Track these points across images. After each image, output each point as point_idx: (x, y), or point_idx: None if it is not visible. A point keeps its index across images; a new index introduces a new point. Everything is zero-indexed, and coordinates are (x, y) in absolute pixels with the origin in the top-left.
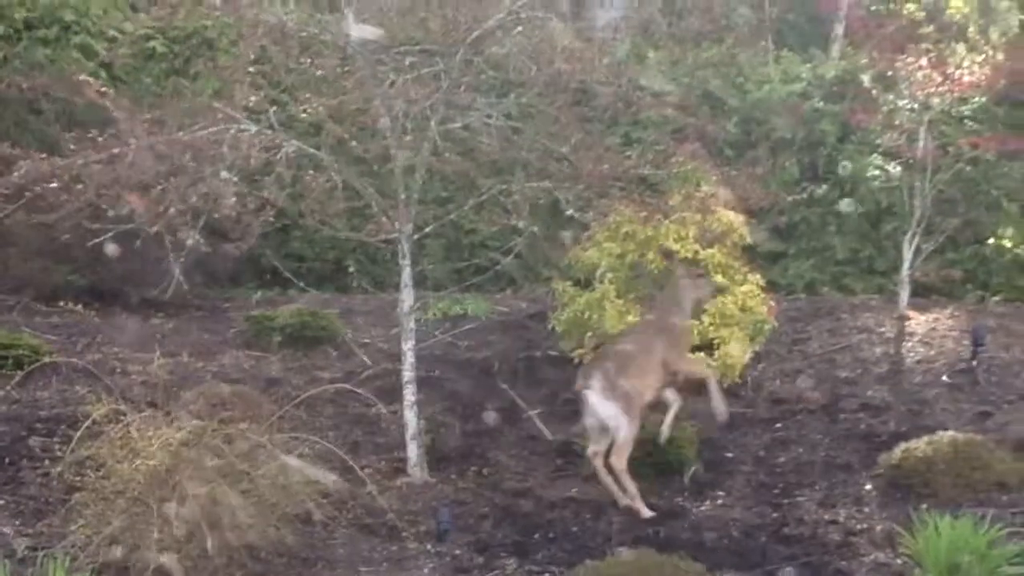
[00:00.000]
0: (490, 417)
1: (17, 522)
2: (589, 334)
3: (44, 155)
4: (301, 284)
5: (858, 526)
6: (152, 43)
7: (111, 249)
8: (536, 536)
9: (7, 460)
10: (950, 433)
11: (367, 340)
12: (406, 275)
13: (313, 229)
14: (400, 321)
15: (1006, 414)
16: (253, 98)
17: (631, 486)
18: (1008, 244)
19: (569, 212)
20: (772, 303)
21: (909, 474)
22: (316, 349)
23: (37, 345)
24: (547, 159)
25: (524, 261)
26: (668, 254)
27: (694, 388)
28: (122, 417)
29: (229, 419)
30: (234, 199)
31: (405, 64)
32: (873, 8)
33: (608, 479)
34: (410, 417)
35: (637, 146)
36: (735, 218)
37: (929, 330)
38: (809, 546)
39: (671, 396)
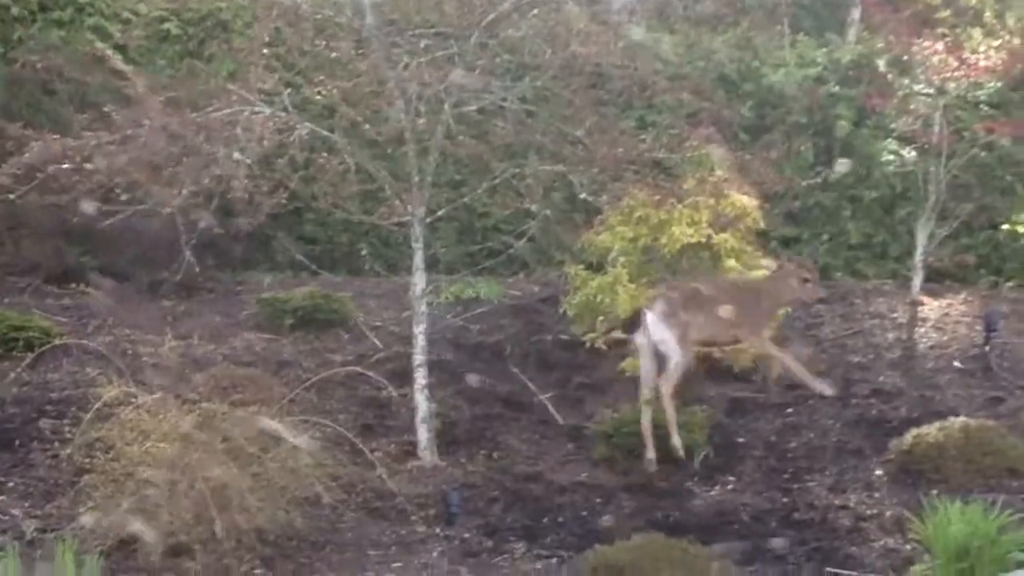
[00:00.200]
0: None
1: (26, 504)
2: (601, 318)
3: (56, 136)
4: (313, 267)
5: (868, 511)
6: (166, 25)
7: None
8: (545, 520)
9: (17, 442)
10: (961, 419)
11: (379, 323)
12: (418, 258)
13: (326, 212)
14: (412, 304)
15: (1018, 400)
16: (267, 82)
17: (672, 416)
18: (1022, 230)
19: (582, 196)
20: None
21: (920, 460)
22: (328, 332)
23: (48, 327)
24: (561, 142)
25: (537, 245)
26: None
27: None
28: (132, 400)
29: (240, 402)
30: (246, 181)
31: (420, 47)
32: None
33: (670, 408)
34: (420, 400)
35: (652, 130)
36: (748, 202)
37: (942, 315)
38: (819, 531)
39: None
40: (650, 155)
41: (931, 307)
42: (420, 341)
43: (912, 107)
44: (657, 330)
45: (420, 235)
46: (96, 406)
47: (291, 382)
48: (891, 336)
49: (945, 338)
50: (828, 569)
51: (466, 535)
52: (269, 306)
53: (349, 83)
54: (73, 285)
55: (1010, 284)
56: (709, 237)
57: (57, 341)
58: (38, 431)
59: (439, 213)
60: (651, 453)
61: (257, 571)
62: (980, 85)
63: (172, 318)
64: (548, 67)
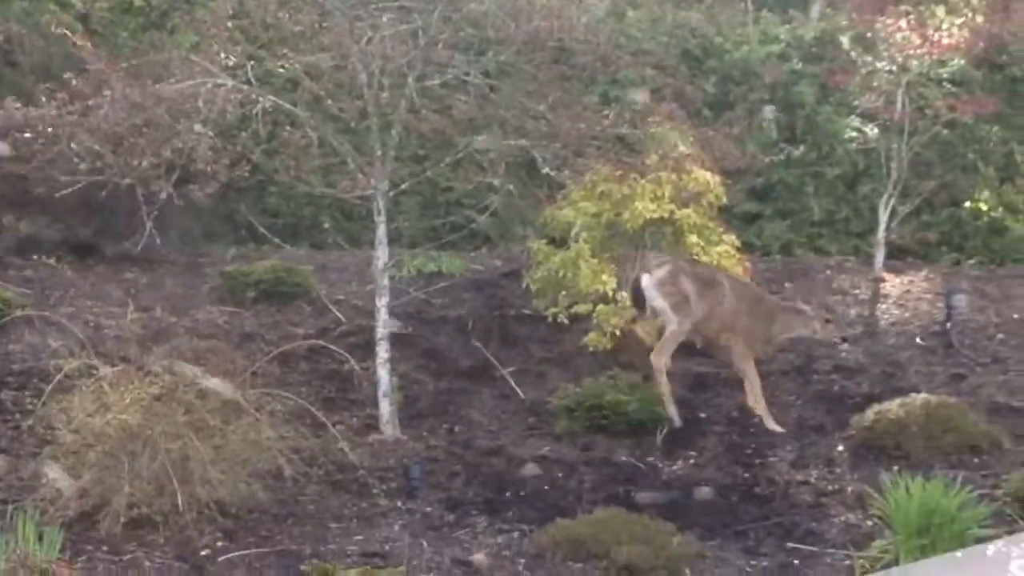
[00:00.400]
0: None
1: None
2: (563, 293)
3: (19, 107)
4: (276, 240)
5: (829, 487)
6: None
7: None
8: (507, 494)
9: None
10: (923, 395)
11: (341, 296)
12: (381, 232)
13: (289, 185)
14: (375, 278)
15: (979, 377)
16: (230, 55)
17: (664, 387)
18: (984, 207)
19: (545, 170)
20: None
21: (881, 436)
22: (290, 305)
23: (9, 298)
24: (524, 117)
25: (499, 219)
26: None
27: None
28: (94, 371)
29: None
30: (209, 153)
31: (383, 20)
32: None
33: (662, 379)
34: (383, 374)
35: (615, 105)
36: (711, 178)
37: (904, 292)
38: (780, 506)
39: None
40: (613, 130)
41: (893, 284)
42: (383, 314)
43: (875, 84)
44: (652, 295)
45: (383, 209)
46: (58, 377)
47: (253, 355)
48: (853, 312)
49: (907, 315)
50: (789, 544)
51: (427, 509)
52: (231, 279)
53: (312, 56)
54: (35, 257)
55: (972, 261)
56: (671, 212)
57: (19, 312)
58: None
59: (402, 187)
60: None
61: (219, 543)
62: (943, 63)
63: (134, 290)
64: (511, 42)
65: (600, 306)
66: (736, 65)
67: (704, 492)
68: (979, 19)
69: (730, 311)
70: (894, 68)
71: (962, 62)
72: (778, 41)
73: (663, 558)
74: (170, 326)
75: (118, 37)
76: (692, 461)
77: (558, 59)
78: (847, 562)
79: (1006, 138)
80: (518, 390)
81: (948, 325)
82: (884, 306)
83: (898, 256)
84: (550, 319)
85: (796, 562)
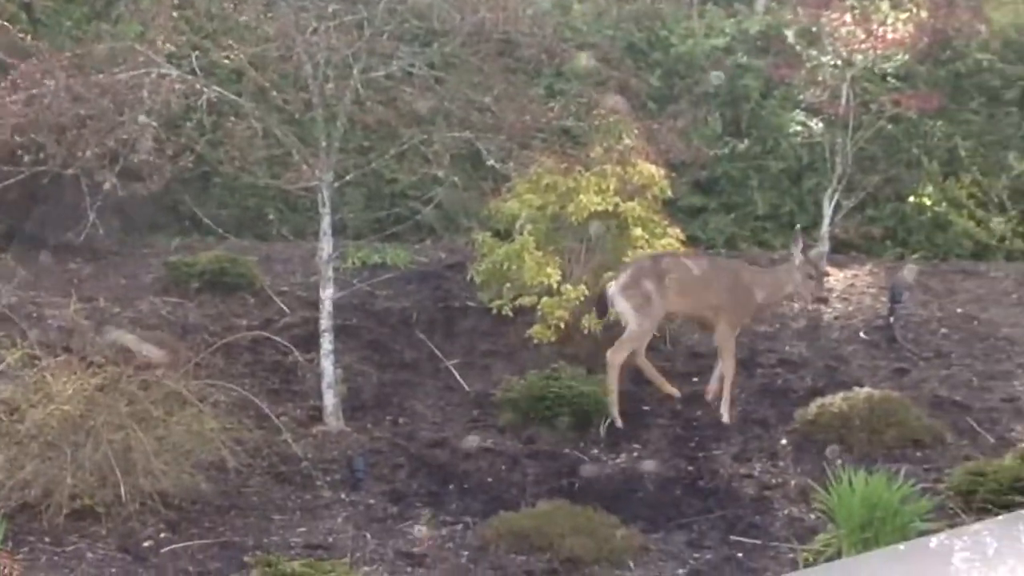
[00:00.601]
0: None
1: None
2: (508, 285)
3: None
4: (220, 231)
5: (773, 480)
6: None
7: None
8: (451, 487)
9: None
10: (866, 389)
11: (285, 288)
12: (326, 223)
13: (233, 176)
14: (319, 269)
15: (922, 371)
16: (174, 45)
17: (613, 385)
18: (928, 202)
19: (490, 163)
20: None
21: (824, 429)
22: (234, 296)
23: None
24: (469, 109)
25: (444, 211)
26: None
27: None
28: (37, 362)
29: (145, 365)
30: (152, 144)
31: (328, 11)
32: None
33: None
34: (327, 366)
35: (560, 98)
36: (656, 171)
37: (847, 287)
38: (723, 500)
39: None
40: (558, 123)
41: (837, 278)
42: (327, 306)
43: (820, 78)
44: (617, 302)
45: (327, 200)
46: None
47: (197, 346)
48: (797, 306)
49: (850, 309)
50: (732, 537)
51: (371, 501)
52: (175, 269)
53: (257, 47)
54: None
55: (915, 256)
56: (616, 205)
57: None
58: None
59: (347, 178)
60: (615, 409)
61: (162, 534)
62: (887, 57)
63: (77, 280)
64: (457, 33)
65: (545, 299)
66: (681, 58)
67: (648, 484)
68: (923, 14)
69: (703, 290)
70: (839, 62)
71: (906, 57)
72: (723, 34)
73: (606, 551)
74: (113, 316)
75: (62, 26)
76: (636, 454)
77: (503, 51)
78: (790, 555)
79: (950, 133)
80: (462, 382)
81: (891, 319)
82: (828, 300)
83: (842, 250)
84: (494, 311)
85: (740, 555)
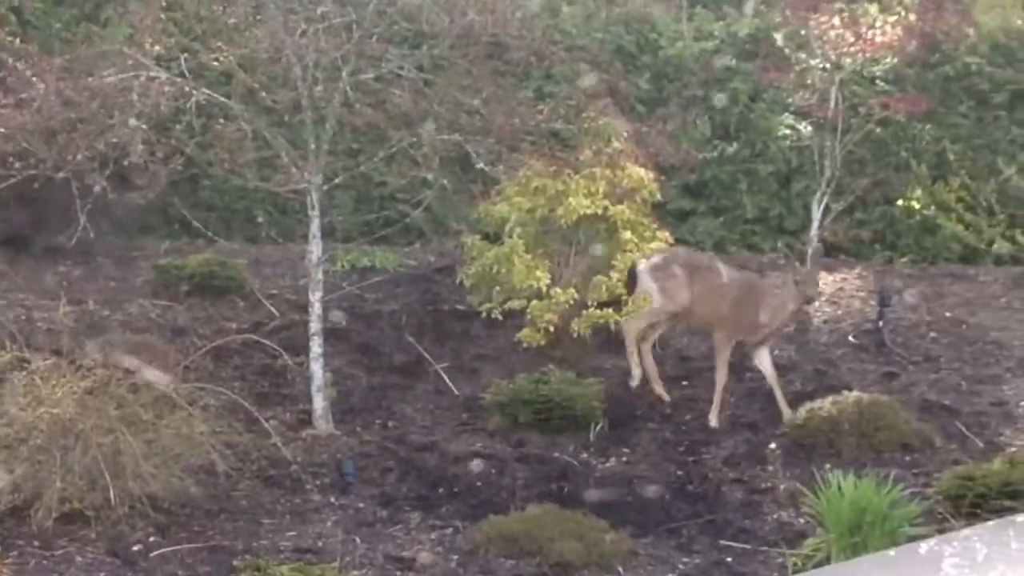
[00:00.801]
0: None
1: None
2: (497, 288)
3: None
4: (209, 233)
5: (762, 485)
6: None
7: None
8: (440, 490)
9: None
10: (855, 393)
11: (275, 291)
12: (315, 226)
13: (222, 179)
14: (308, 272)
15: (911, 375)
16: (163, 47)
17: (632, 347)
18: (916, 206)
19: (479, 166)
20: None
21: (813, 434)
22: (223, 299)
23: None
24: (458, 112)
25: (433, 214)
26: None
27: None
28: (26, 365)
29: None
30: (142, 147)
31: (317, 13)
32: None
33: (648, 361)
34: (316, 369)
35: (549, 101)
36: (645, 174)
37: (836, 290)
38: (713, 504)
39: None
40: (547, 126)
41: (826, 282)
42: (316, 309)
43: (808, 82)
44: (644, 279)
45: (317, 203)
46: None
47: (186, 349)
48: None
49: (840, 312)
50: (722, 542)
51: (360, 504)
52: (165, 272)
53: (246, 49)
54: None
55: (904, 260)
56: (606, 209)
57: None
58: None
59: (336, 181)
60: (636, 370)
61: (151, 538)
62: (876, 61)
63: (67, 283)
64: (446, 36)
65: (534, 302)
66: (670, 61)
67: (637, 489)
68: (912, 17)
69: (719, 297)
70: (827, 66)
71: (895, 61)
72: (712, 38)
73: (596, 555)
74: (103, 319)
75: (52, 28)
76: (625, 458)
77: (492, 54)
78: (779, 559)
79: (938, 137)
80: (452, 386)
81: (880, 323)
82: (817, 304)
83: (831, 254)
84: (484, 315)
85: (729, 560)
